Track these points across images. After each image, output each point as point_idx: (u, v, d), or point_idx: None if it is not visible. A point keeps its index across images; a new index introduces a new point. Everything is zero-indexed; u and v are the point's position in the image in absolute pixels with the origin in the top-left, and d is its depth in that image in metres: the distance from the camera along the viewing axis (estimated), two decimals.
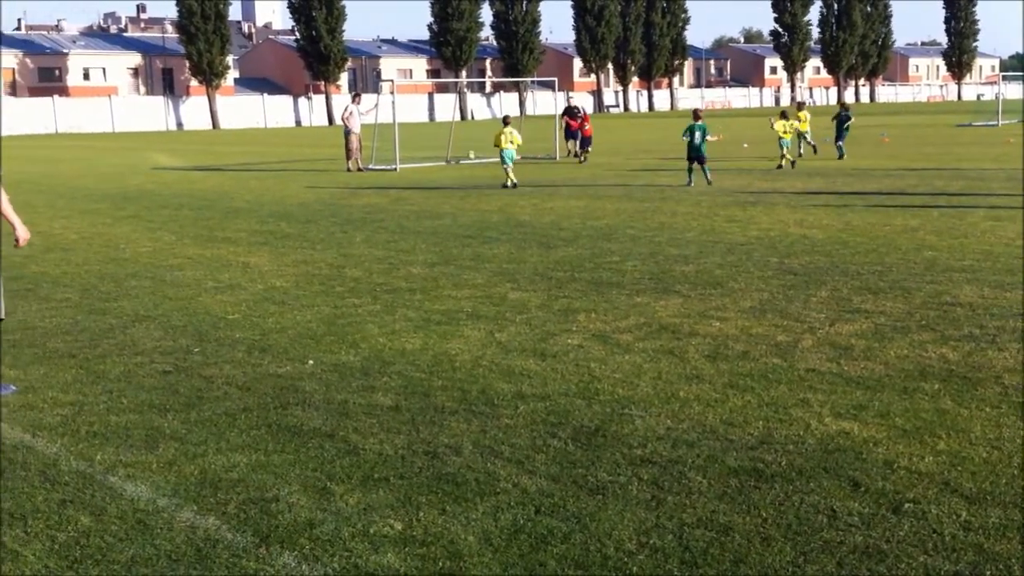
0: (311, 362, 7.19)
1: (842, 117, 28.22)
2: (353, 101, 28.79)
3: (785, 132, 25.07)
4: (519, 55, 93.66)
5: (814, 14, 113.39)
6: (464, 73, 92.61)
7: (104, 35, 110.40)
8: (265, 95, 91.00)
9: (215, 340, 7.97)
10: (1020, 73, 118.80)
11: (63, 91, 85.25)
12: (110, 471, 5.16)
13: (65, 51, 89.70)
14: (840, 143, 27.82)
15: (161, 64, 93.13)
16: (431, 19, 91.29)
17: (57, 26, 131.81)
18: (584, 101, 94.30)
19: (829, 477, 4.83)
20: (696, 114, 21.38)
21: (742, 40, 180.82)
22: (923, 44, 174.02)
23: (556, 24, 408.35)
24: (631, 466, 5.03)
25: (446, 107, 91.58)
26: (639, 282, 10.06)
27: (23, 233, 6.92)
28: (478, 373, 6.80)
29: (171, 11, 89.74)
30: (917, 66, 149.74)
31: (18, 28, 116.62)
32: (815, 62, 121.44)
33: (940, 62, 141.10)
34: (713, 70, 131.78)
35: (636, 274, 10.53)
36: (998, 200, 16.71)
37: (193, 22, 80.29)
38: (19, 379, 6.91)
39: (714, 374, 6.65)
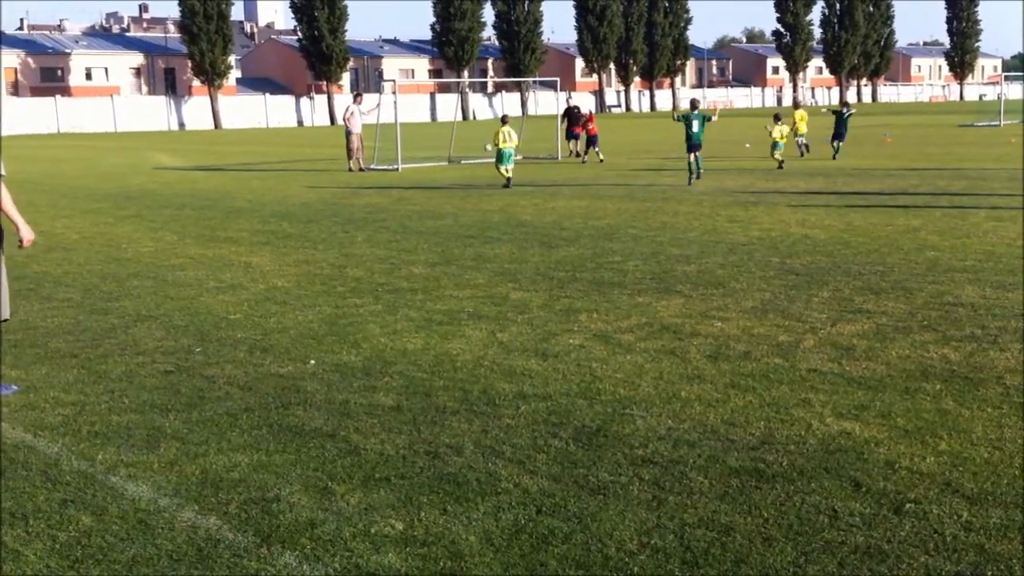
0: (312, 362, 7.20)
1: (842, 114, 28.10)
2: (354, 101, 28.81)
3: (781, 136, 25.09)
4: (521, 55, 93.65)
5: (816, 14, 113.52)
6: (466, 73, 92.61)
7: (106, 35, 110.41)
8: (267, 95, 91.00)
9: (217, 340, 7.97)
10: (1022, 73, 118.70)
11: (65, 91, 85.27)
12: (111, 471, 5.16)
13: (67, 51, 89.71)
14: (835, 142, 27.67)
15: (163, 64, 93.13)
16: (433, 19, 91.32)
17: (59, 26, 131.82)
18: (586, 101, 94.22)
19: (830, 477, 4.83)
20: (693, 103, 21.70)
21: (744, 40, 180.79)
22: (925, 44, 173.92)
23: (558, 24, 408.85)
24: (632, 466, 5.03)
25: (448, 107, 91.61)
26: (641, 282, 10.06)
27: (27, 234, 6.87)
28: (479, 373, 6.80)
29: (173, 11, 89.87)
30: (919, 66, 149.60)
31: (20, 28, 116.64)
32: (817, 62, 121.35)
33: (942, 62, 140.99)
34: (715, 70, 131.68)
35: (638, 274, 10.53)
36: (1000, 200, 16.70)
37: (195, 22, 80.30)
38: (21, 379, 6.91)
39: (715, 374, 6.65)
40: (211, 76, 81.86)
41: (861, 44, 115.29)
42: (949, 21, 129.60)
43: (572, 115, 32.36)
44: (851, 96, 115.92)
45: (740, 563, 3.99)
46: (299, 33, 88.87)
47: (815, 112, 51.22)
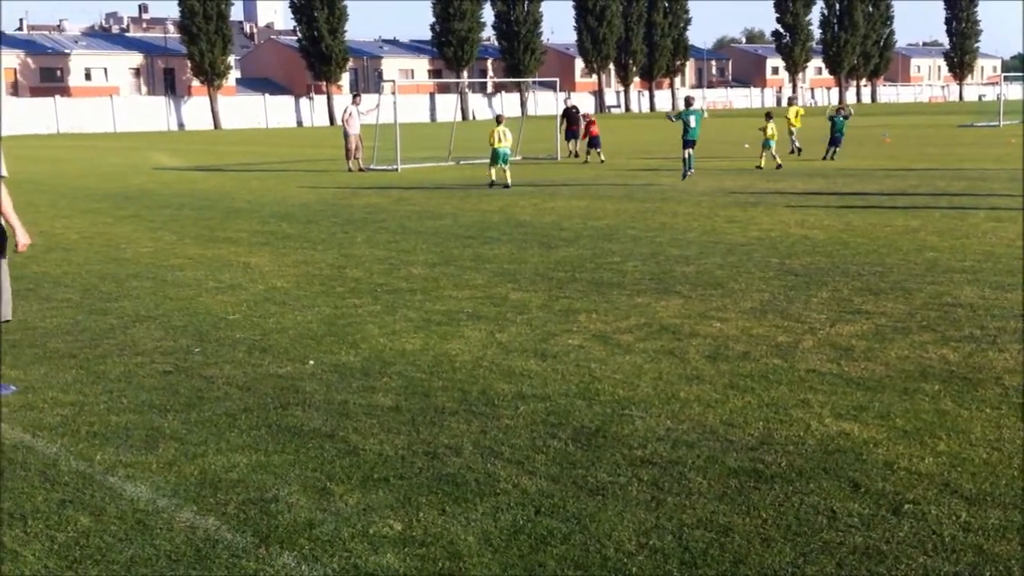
0: (311, 362, 7.20)
1: (835, 120, 27.95)
2: (353, 102, 28.81)
3: (773, 135, 25.13)
4: (520, 55, 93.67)
5: (816, 14, 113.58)
6: (465, 73, 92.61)
7: (106, 35, 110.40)
8: (267, 95, 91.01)
9: (216, 340, 7.97)
10: (1021, 74, 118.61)
11: (65, 91, 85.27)
12: (110, 471, 5.16)
13: (67, 51, 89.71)
14: (832, 147, 27.54)
15: (163, 64, 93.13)
16: (433, 19, 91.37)
17: (59, 26, 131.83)
18: (585, 101, 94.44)
19: (829, 478, 4.83)
20: (688, 101, 22.62)
21: (744, 40, 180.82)
22: (925, 45, 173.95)
23: (558, 24, 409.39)
24: (631, 467, 5.03)
25: (447, 107, 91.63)
26: (640, 282, 10.06)
27: (23, 239, 6.77)
28: (478, 374, 6.80)
29: (173, 11, 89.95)
30: (919, 67, 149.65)
31: (20, 28, 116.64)
32: (817, 62, 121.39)
33: (942, 63, 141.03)
34: (715, 70, 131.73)
35: (637, 274, 10.53)
36: (999, 201, 16.70)
37: (195, 22, 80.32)
38: (19, 379, 6.91)
39: (714, 375, 6.65)
40: (211, 76, 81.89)
41: (860, 44, 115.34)
42: (948, 21, 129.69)
43: (571, 115, 32.43)
44: (850, 96, 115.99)
45: (739, 564, 3.99)
46: (299, 33, 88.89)
47: (815, 112, 51.18)
